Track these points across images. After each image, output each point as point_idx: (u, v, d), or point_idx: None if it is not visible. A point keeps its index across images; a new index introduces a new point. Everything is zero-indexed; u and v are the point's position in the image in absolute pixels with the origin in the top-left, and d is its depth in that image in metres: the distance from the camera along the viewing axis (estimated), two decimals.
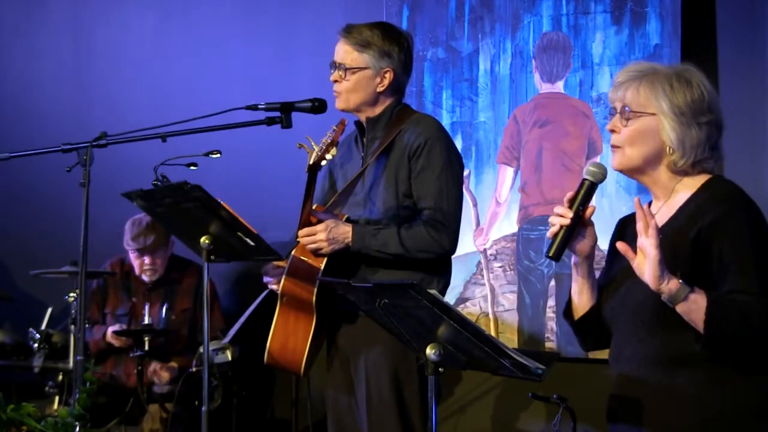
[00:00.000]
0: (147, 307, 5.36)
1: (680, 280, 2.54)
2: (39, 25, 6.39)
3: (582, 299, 2.86)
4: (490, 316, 5.18)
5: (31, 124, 6.23)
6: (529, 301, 5.10)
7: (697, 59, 4.72)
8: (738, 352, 2.60)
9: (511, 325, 5.14)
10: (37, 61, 6.39)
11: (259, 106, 3.69)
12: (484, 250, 5.22)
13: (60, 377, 5.18)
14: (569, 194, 2.76)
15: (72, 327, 5.06)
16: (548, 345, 5.02)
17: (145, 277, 5.53)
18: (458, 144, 5.20)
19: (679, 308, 2.55)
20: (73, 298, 5.09)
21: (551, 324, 5.00)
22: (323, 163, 3.51)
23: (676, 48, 4.79)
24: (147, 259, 5.50)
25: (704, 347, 2.57)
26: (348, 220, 3.70)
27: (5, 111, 6.38)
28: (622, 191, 4.68)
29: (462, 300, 5.22)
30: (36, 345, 5.26)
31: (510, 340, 5.07)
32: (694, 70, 2.79)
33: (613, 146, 2.78)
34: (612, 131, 2.77)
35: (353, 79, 3.71)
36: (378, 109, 3.76)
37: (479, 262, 5.21)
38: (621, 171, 2.80)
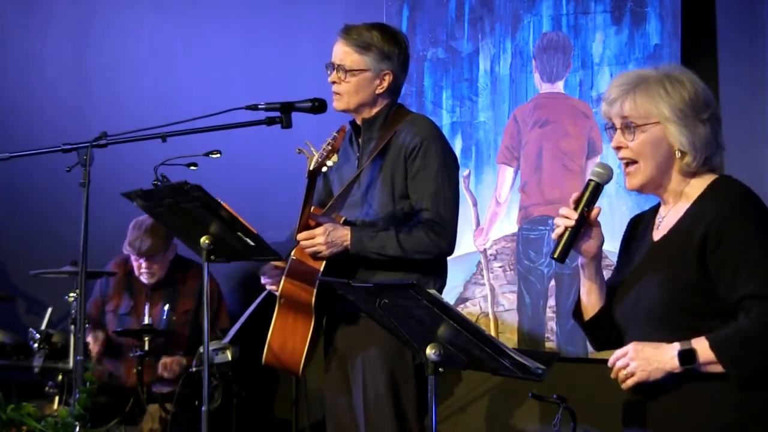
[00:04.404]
0: (147, 307, 5.36)
1: (677, 345, 2.57)
2: (39, 25, 6.39)
3: (591, 300, 2.83)
4: (490, 316, 5.18)
5: (31, 124, 6.23)
6: (529, 301, 5.10)
7: (697, 59, 4.75)
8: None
9: (511, 325, 5.14)
10: (38, 61, 6.38)
11: (259, 106, 3.69)
12: (484, 250, 5.21)
13: (60, 377, 5.18)
14: (575, 195, 2.73)
15: (72, 327, 5.06)
16: (548, 345, 5.02)
17: (143, 279, 5.54)
18: (458, 144, 5.20)
19: (701, 360, 2.57)
20: (73, 298, 5.09)
21: (551, 324, 5.00)
22: (324, 169, 3.51)
23: (676, 48, 4.79)
24: (144, 263, 5.50)
25: (738, 382, 2.56)
26: (345, 222, 3.70)
27: (5, 111, 6.37)
28: (622, 191, 4.68)
29: (462, 300, 5.22)
30: (36, 345, 5.25)
31: (510, 340, 5.06)
32: (681, 68, 2.77)
33: (623, 162, 2.71)
34: (618, 148, 2.72)
35: (353, 81, 3.70)
36: (374, 110, 3.76)
37: (479, 262, 5.21)
38: (640, 190, 2.75)
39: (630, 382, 2.64)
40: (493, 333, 5.06)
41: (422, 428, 3.62)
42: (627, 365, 2.63)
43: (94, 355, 5.39)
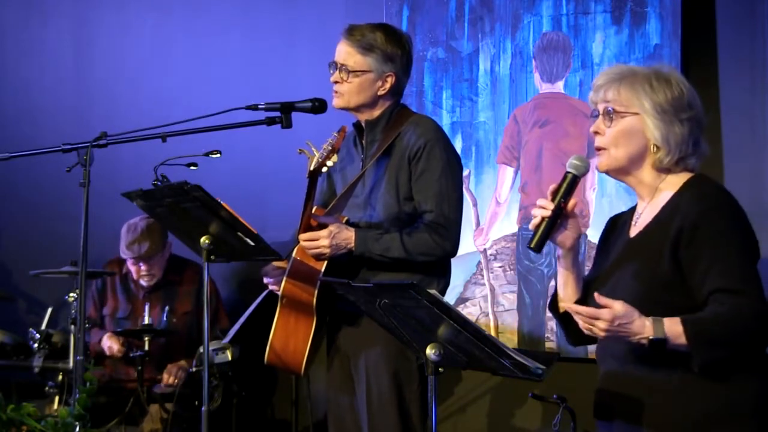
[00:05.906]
0: (147, 307, 5.35)
1: (649, 318, 2.55)
2: (39, 25, 6.39)
3: (567, 291, 2.89)
4: (490, 316, 5.18)
5: (31, 124, 6.23)
6: (529, 301, 5.10)
7: (697, 59, 4.75)
8: (737, 356, 2.60)
9: (511, 325, 5.14)
10: (37, 61, 6.39)
11: (259, 106, 3.69)
12: (484, 250, 5.21)
13: (60, 377, 5.18)
14: (552, 186, 2.81)
15: (72, 327, 5.06)
16: (548, 345, 5.02)
17: (143, 282, 5.52)
18: (458, 144, 5.20)
19: (669, 344, 2.56)
20: (73, 298, 5.08)
21: (551, 324, 5.00)
22: (324, 169, 3.51)
23: (676, 48, 4.79)
24: (144, 266, 5.47)
25: (701, 368, 2.57)
26: (348, 222, 3.69)
27: (5, 111, 6.38)
28: (622, 191, 4.68)
29: (462, 300, 5.22)
30: (36, 345, 5.25)
31: (510, 340, 5.07)
32: (671, 68, 2.84)
33: (597, 148, 2.81)
34: (596, 133, 2.80)
35: (356, 81, 3.70)
36: (377, 111, 3.75)
37: (479, 262, 5.21)
38: (607, 172, 2.84)
39: (588, 329, 2.61)
40: (493, 333, 5.06)
41: (426, 428, 3.62)
42: (594, 324, 2.58)
43: (116, 354, 5.36)
